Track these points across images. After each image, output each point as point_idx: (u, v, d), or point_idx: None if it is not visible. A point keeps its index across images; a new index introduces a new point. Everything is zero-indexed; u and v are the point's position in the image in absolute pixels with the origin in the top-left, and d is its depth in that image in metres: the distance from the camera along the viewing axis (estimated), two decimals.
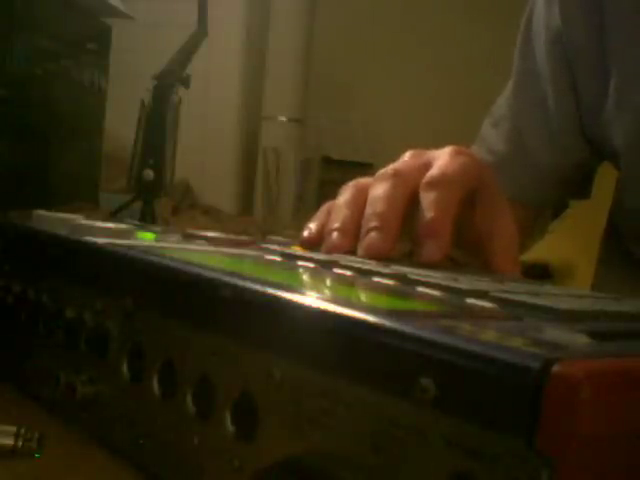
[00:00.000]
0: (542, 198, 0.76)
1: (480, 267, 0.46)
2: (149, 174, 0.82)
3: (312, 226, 0.46)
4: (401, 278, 0.32)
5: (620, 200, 0.72)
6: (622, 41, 0.64)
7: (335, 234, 0.43)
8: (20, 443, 0.28)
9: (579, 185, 0.76)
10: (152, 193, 0.84)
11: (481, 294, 0.28)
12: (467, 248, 0.48)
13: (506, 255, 0.45)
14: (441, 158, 0.45)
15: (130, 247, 0.33)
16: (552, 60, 0.70)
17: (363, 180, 0.47)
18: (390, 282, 0.31)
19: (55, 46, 0.83)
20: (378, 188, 0.44)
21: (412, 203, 0.43)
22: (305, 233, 0.45)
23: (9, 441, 0.28)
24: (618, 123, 0.66)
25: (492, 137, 0.75)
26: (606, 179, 0.75)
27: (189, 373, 0.26)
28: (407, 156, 0.47)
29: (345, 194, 0.46)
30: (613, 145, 0.68)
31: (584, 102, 0.69)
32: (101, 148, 1.01)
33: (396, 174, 0.44)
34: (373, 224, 0.42)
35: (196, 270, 0.28)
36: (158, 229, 0.49)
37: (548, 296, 0.31)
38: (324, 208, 0.48)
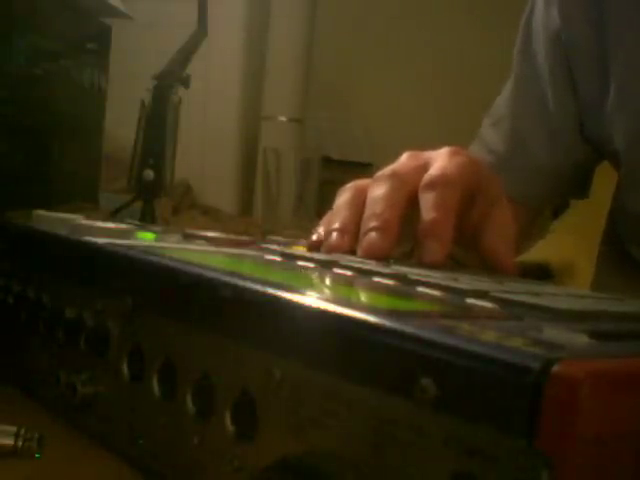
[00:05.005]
0: (541, 198, 0.76)
1: (478, 262, 0.46)
2: (149, 174, 0.82)
3: (320, 230, 0.46)
4: (401, 278, 0.32)
5: (620, 200, 0.72)
6: (622, 40, 0.64)
7: (335, 234, 0.43)
8: (20, 443, 0.28)
9: (578, 185, 0.76)
10: (152, 193, 0.83)
11: (481, 294, 0.28)
12: (466, 246, 0.48)
13: (500, 238, 0.45)
14: (439, 159, 0.45)
15: (130, 247, 0.33)
16: (551, 60, 0.70)
17: (361, 181, 0.47)
18: (390, 282, 0.31)
19: (55, 46, 0.83)
20: (377, 189, 0.44)
21: (411, 204, 0.44)
22: (314, 237, 0.45)
23: (9, 441, 0.28)
24: (618, 123, 0.66)
25: (491, 137, 0.75)
26: (606, 179, 0.75)
27: (189, 373, 0.26)
28: (404, 157, 0.47)
29: (344, 195, 0.46)
30: (613, 145, 0.68)
31: (584, 102, 0.69)
32: (101, 148, 1.01)
33: (394, 175, 0.45)
34: (373, 224, 0.42)
35: (196, 270, 0.28)
36: (158, 229, 0.49)
37: (548, 296, 0.31)
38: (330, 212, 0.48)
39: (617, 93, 0.65)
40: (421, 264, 0.40)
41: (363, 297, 0.30)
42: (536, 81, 0.72)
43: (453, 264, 0.46)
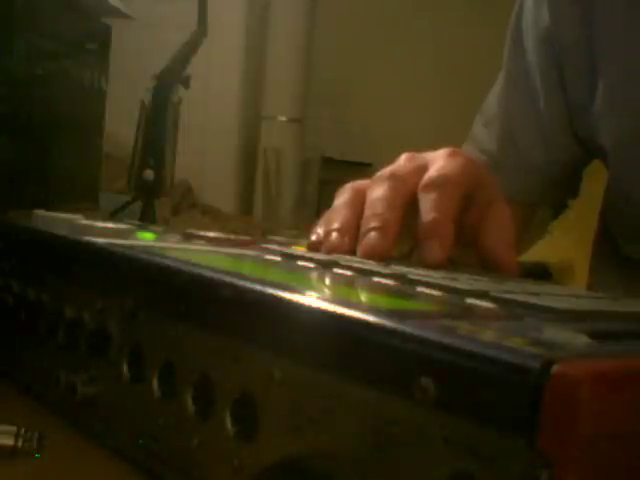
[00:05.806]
0: (533, 197, 0.75)
1: (478, 262, 0.46)
2: (149, 174, 0.82)
3: (320, 230, 0.46)
4: (401, 278, 0.32)
5: (610, 199, 0.72)
6: (611, 41, 0.64)
7: (335, 234, 0.43)
8: (20, 443, 0.28)
9: (569, 183, 0.76)
10: (152, 193, 0.83)
11: (481, 294, 0.28)
12: (465, 246, 0.48)
13: (499, 237, 0.45)
14: (438, 160, 0.46)
15: (130, 247, 0.33)
16: (541, 59, 0.70)
17: (359, 182, 0.47)
18: (390, 282, 0.31)
19: (55, 46, 0.83)
20: (376, 190, 0.44)
21: (410, 205, 0.44)
22: (313, 237, 0.45)
23: (9, 441, 0.28)
24: (606, 122, 0.66)
25: (483, 137, 0.75)
26: (604, 179, 0.75)
27: (189, 373, 0.26)
28: (403, 159, 0.47)
29: (343, 196, 0.46)
30: (602, 144, 0.68)
31: (573, 101, 0.69)
32: (101, 148, 1.01)
33: (393, 176, 0.45)
34: (373, 224, 0.42)
35: (196, 270, 0.28)
36: (158, 229, 0.49)
37: (548, 296, 0.31)
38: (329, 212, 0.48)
39: (605, 93, 0.65)
40: (421, 264, 0.40)
41: (363, 297, 0.30)
42: (526, 79, 0.72)
43: (453, 264, 0.46)
